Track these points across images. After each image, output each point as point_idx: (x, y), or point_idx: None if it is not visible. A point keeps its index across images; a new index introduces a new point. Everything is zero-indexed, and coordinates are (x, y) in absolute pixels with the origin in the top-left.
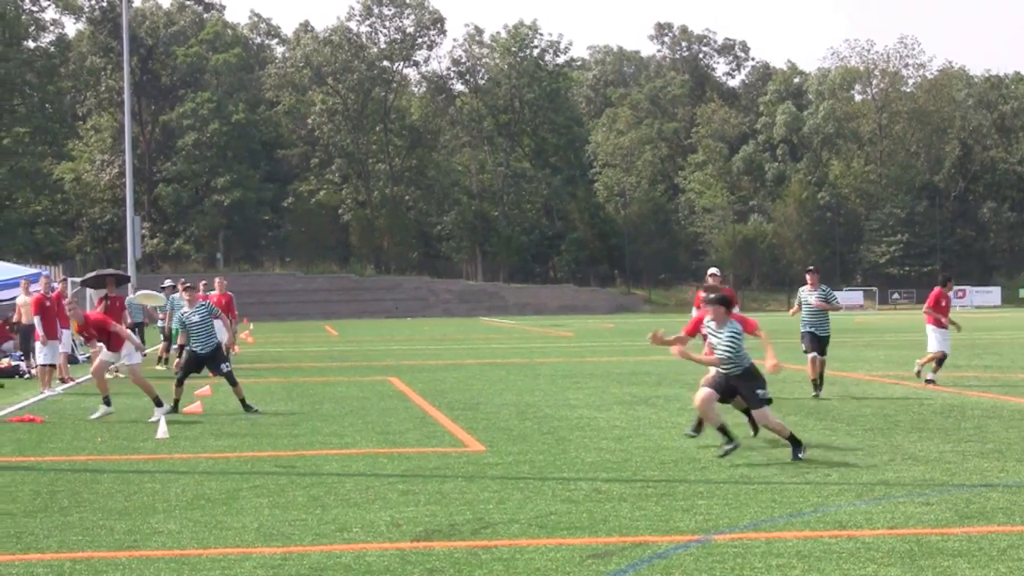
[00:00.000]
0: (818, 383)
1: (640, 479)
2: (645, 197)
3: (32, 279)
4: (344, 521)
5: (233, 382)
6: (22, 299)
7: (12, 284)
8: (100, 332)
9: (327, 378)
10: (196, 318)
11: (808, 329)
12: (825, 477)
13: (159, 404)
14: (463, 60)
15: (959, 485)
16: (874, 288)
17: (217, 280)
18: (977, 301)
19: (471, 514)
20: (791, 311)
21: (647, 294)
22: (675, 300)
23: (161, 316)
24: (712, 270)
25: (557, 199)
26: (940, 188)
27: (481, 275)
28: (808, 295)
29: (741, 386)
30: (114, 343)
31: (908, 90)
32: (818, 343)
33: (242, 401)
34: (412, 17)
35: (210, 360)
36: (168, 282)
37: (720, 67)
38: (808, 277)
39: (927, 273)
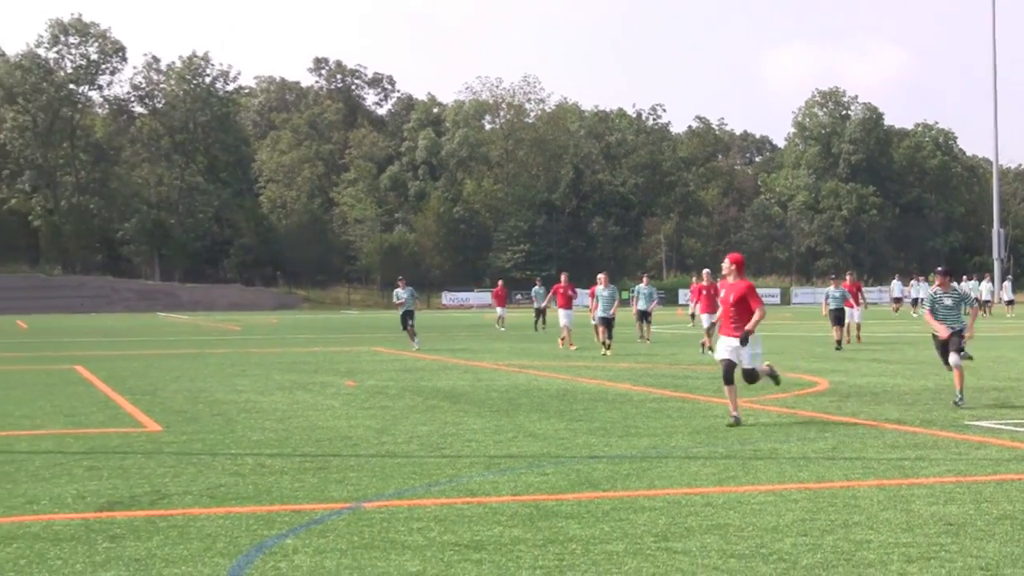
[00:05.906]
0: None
1: (299, 454)
2: (304, 209)
3: None
4: (33, 494)
5: None
6: None
7: None
8: None
9: (18, 366)
10: None
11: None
12: (459, 452)
13: None
14: (142, 85)
15: (571, 457)
16: None
17: None
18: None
19: (149, 487)
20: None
21: (306, 293)
22: (330, 299)
23: None
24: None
25: (227, 209)
26: (557, 205)
27: (159, 275)
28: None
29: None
30: None
31: (530, 121)
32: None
33: None
34: (96, 45)
35: None
36: None
37: (370, 97)
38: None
39: (545, 277)
